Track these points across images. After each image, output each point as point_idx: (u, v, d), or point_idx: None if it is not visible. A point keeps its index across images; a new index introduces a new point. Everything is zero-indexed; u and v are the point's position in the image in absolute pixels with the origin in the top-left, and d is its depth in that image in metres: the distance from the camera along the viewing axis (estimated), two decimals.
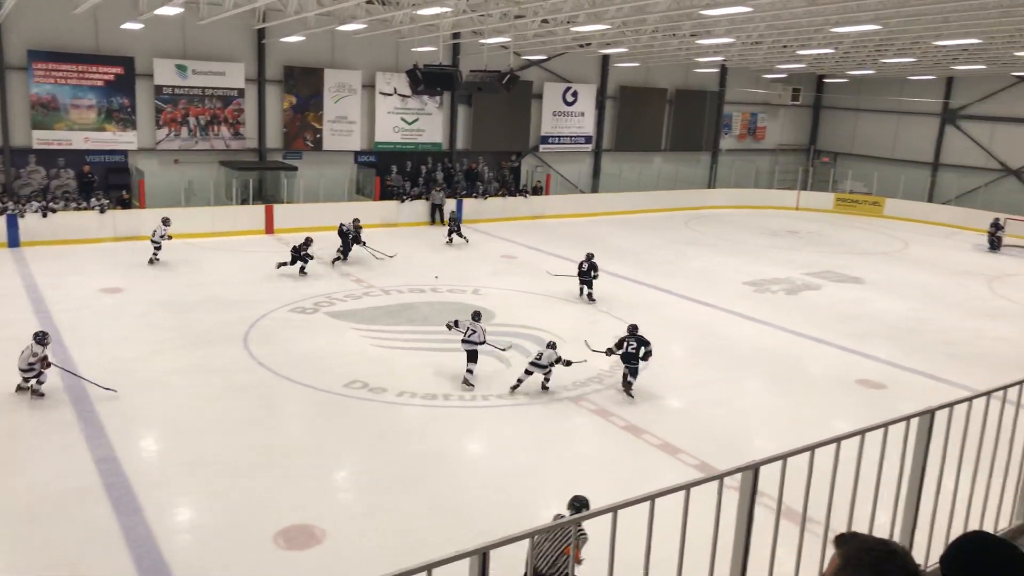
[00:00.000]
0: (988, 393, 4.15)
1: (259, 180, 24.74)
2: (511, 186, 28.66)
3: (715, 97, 33.94)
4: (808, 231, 28.06)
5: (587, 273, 17.40)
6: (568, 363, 11.91)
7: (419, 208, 26.07)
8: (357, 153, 26.72)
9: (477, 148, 28.72)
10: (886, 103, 33.81)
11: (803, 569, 3.83)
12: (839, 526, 3.75)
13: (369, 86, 26.34)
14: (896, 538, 3.94)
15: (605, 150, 31.76)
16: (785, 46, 23.64)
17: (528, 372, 11.93)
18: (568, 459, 10.11)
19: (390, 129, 27.05)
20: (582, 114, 30.87)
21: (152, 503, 8.53)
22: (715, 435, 10.76)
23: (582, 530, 5.71)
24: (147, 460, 9.79)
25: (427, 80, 16.92)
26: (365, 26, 21.31)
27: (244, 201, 24.08)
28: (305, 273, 18.34)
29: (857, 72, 31.82)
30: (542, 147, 30.34)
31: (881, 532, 3.86)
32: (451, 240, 22.97)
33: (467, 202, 26.72)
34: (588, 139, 31.27)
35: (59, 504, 8.43)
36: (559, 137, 30.62)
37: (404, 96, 26.70)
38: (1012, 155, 30.53)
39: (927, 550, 4.01)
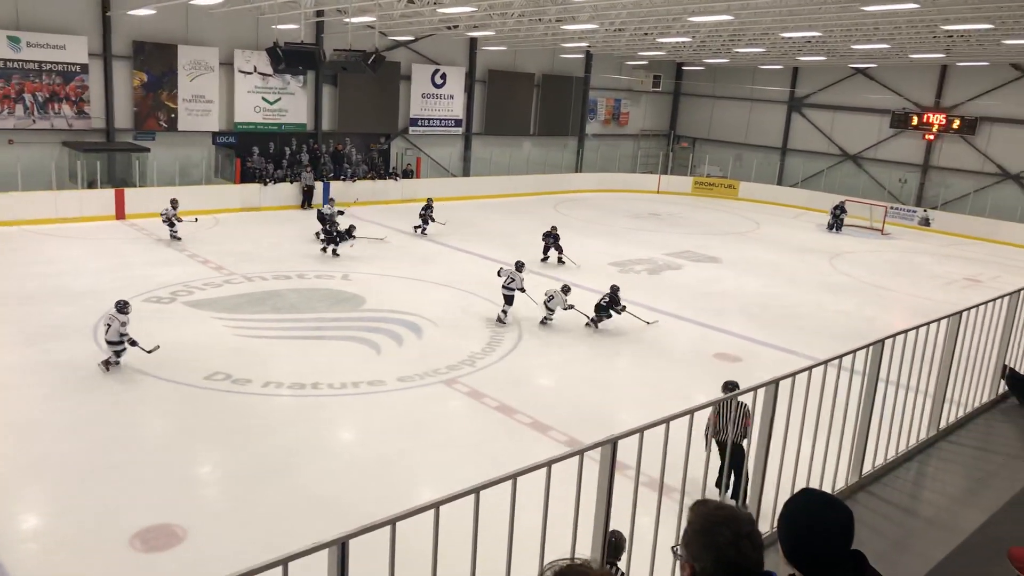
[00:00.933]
0: (826, 362, 4.46)
1: (108, 162, 23.14)
2: (380, 169, 28.20)
3: (581, 83, 34.64)
4: (669, 213, 29.23)
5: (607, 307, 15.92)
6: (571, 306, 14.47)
7: (284, 191, 25.20)
8: (215, 134, 25.48)
9: (344, 129, 28.04)
10: (740, 91, 35.62)
11: (662, 535, 4.00)
12: (696, 492, 3.96)
13: (227, 64, 25.14)
14: (747, 499, 4.19)
15: (475, 133, 31.80)
16: (646, 33, 24.41)
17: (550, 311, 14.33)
18: (442, 442, 10.11)
19: (251, 109, 25.96)
20: (451, 97, 30.75)
21: None
22: (583, 411, 11.06)
23: None
24: None
25: (288, 59, 16.37)
26: (222, 1, 20.29)
27: (91, 185, 22.45)
28: (337, 255, 19.01)
29: (713, 60, 33.33)
30: (412, 129, 30.01)
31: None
32: (423, 230, 22.71)
33: (335, 185, 26.07)
34: (458, 122, 31.19)
35: None
36: (429, 120, 30.38)
37: (265, 75, 25.67)
38: (849, 142, 32.93)
39: (773, 511, 4.29)
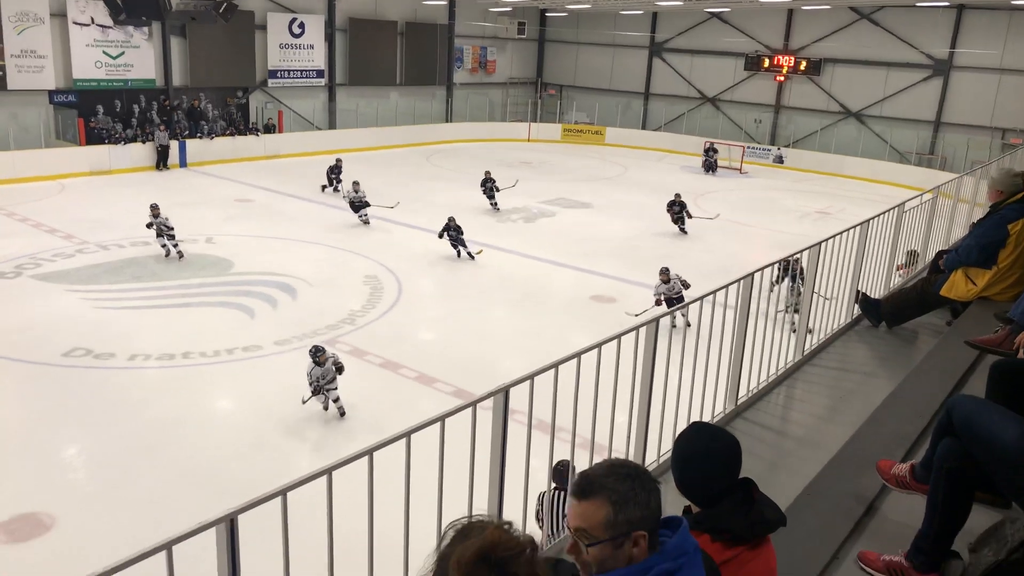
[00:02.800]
0: (701, 298, 4.62)
1: None
2: (239, 124, 26.82)
3: (445, 30, 34.00)
4: (540, 161, 29.46)
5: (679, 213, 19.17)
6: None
7: (137, 152, 23.55)
8: (52, 92, 23.37)
9: (197, 84, 26.38)
10: (602, 37, 36.03)
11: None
12: (585, 431, 4.06)
13: (60, 15, 23.00)
14: (632, 435, 4.32)
15: (339, 84, 30.72)
16: None
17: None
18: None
19: (91, 64, 23.93)
20: (312, 47, 29.47)
21: None
22: (467, 362, 11.11)
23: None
24: None
25: (129, 8, 15.18)
26: None
27: None
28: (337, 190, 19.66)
29: (575, 7, 33.47)
30: (271, 82, 28.61)
31: (620, 432, 4.23)
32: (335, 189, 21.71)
33: (191, 143, 24.62)
34: (320, 73, 30.00)
35: None
36: (288, 71, 29.04)
37: (105, 27, 23.66)
38: (707, 85, 34.09)
39: (659, 442, 4.45)
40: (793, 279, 8.33)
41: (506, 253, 16.81)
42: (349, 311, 12.77)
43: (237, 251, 15.84)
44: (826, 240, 5.73)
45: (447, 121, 34.41)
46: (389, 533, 3.07)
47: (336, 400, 9.47)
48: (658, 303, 12.34)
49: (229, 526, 2.55)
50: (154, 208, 15.15)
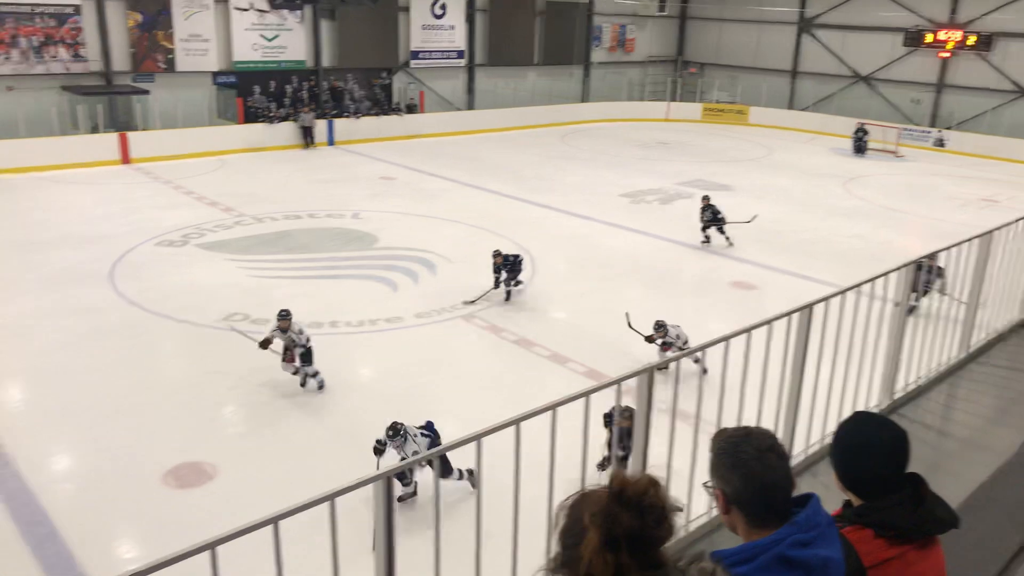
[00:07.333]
0: (858, 286, 4.41)
1: (108, 106, 22.81)
2: (384, 104, 27.75)
3: (584, 9, 33.71)
4: (678, 141, 28.80)
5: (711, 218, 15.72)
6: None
7: (288, 130, 24.85)
8: (215, 74, 25.01)
9: (344, 65, 27.48)
10: (747, 12, 34.62)
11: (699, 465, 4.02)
12: (730, 421, 3.97)
13: (222, 1, 24.52)
14: (781, 426, 4.19)
15: (478, 65, 31.15)
16: None
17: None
18: (462, 376, 10.20)
19: (248, 47, 25.40)
20: (452, 27, 30.00)
21: (23, 454, 8.01)
22: (600, 342, 11.09)
23: None
24: (12, 410, 9.13)
25: None
26: None
27: (94, 129, 22.18)
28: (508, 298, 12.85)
29: None
30: (413, 63, 29.39)
31: (768, 422, 4.11)
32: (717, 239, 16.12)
33: (338, 122, 25.72)
34: (460, 54, 30.51)
35: None
36: (430, 52, 29.72)
37: (262, 11, 25.03)
38: (861, 62, 32.13)
39: (808, 433, 4.30)
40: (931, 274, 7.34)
41: (640, 234, 16.60)
42: (485, 288, 13.01)
43: (381, 226, 16.46)
44: (994, 230, 5.31)
45: (583, 101, 34.19)
46: (535, 496, 3.13)
47: (315, 375, 9.64)
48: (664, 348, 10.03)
49: (386, 483, 2.71)
50: (284, 317, 9.62)
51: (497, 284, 12.58)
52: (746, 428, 2.11)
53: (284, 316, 9.57)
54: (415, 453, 6.88)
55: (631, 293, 13.46)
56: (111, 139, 21.66)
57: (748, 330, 3.93)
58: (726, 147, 28.08)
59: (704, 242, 15.95)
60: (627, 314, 10.73)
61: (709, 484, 2.13)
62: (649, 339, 10.07)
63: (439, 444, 6.74)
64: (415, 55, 29.32)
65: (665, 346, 9.99)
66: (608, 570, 1.49)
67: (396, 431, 7.18)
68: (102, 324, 11.21)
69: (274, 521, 2.43)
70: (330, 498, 2.57)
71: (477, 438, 2.91)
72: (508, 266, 12.53)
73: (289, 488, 7.18)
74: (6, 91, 21.37)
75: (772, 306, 4.30)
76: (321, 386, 9.65)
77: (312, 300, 12.33)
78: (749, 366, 3.96)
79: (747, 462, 1.99)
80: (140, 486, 7.61)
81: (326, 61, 27.16)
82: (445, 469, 6.79)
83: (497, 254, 12.48)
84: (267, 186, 19.62)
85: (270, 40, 25.81)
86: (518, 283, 12.84)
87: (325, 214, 17.29)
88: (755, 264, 14.80)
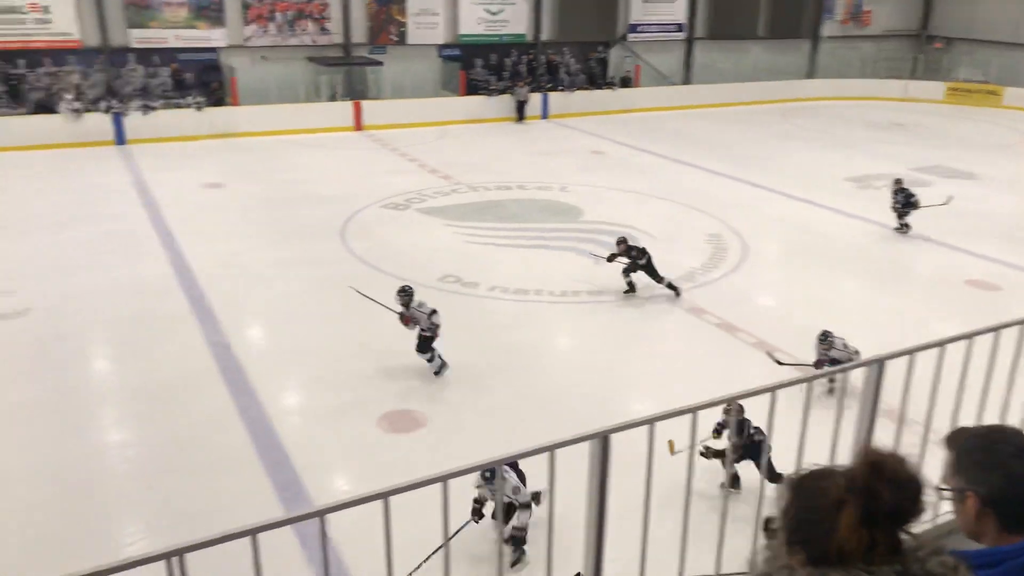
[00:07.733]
0: None
1: (346, 76, 24.72)
2: (598, 78, 27.77)
3: None
4: (916, 123, 26.37)
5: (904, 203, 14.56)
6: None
7: (505, 103, 25.59)
8: (441, 47, 26.27)
9: (563, 39, 27.79)
10: None
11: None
12: (941, 428, 3.67)
13: None
14: None
15: (698, 38, 30.26)
16: None
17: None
18: (660, 355, 10.15)
19: (473, 21, 26.39)
20: (673, 0, 29.35)
21: (263, 387, 9.03)
22: (810, 334, 10.51)
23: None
24: (256, 347, 10.31)
25: None
26: None
27: (332, 98, 24.19)
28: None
29: None
30: (630, 36, 29.12)
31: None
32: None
33: (552, 96, 26.10)
34: (680, 27, 29.80)
35: (179, 384, 9.03)
36: (649, 25, 29.28)
37: None
38: None
39: None
40: None
41: (864, 222, 15.48)
42: (689, 268, 12.78)
43: (587, 200, 16.61)
44: None
45: (808, 77, 32.21)
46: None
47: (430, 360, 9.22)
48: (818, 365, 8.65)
49: (603, 441, 2.81)
50: (403, 294, 9.35)
51: (627, 273, 11.50)
52: (996, 426, 1.96)
53: (404, 292, 9.17)
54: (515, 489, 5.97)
55: (848, 284, 12.64)
56: (347, 107, 23.49)
57: (970, 335, 3.62)
58: (973, 131, 25.35)
59: (898, 229, 14.66)
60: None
61: (947, 487, 1.95)
62: (817, 364, 8.59)
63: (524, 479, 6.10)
64: (633, 28, 29.03)
65: (820, 364, 8.56)
66: (861, 547, 1.48)
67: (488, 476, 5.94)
68: (332, 276, 12.27)
69: (500, 463, 2.60)
70: (549, 449, 2.72)
71: (649, 422, 2.91)
72: (636, 258, 11.39)
73: (490, 441, 7.55)
74: (262, 60, 23.80)
75: (1019, 311, 3.89)
76: (438, 372, 9.22)
77: (518, 268, 12.75)
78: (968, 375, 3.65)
79: (1007, 462, 1.84)
80: (358, 426, 8.33)
81: (545, 35, 27.61)
82: None
83: (621, 241, 11.48)
84: (483, 156, 20.41)
85: (495, 14, 26.64)
86: (671, 286, 11.60)
87: (535, 186, 17.71)
88: (998, 262, 13.32)
